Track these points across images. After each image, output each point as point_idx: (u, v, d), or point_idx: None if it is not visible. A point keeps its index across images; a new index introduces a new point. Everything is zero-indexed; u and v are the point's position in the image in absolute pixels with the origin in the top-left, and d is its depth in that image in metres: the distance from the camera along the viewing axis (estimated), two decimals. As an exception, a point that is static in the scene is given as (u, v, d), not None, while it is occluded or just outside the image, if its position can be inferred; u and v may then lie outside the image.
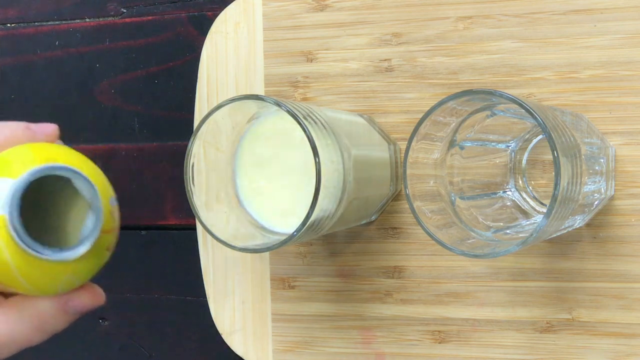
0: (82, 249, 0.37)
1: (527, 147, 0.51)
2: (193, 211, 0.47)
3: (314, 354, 0.57)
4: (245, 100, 0.46)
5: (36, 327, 0.39)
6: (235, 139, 0.50)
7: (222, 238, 0.46)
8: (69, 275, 0.38)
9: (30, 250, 0.36)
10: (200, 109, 0.59)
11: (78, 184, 0.37)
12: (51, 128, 0.40)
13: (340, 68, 0.56)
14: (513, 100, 0.40)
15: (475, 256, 0.43)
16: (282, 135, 0.49)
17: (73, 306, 0.39)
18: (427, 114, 0.43)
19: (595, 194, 0.48)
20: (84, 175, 0.37)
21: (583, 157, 0.44)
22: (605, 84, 0.51)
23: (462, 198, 0.48)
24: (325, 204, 0.46)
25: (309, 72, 0.57)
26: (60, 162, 0.37)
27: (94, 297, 0.40)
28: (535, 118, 0.40)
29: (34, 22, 0.66)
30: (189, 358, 0.64)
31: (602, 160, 0.49)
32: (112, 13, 0.64)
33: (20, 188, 0.35)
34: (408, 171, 0.44)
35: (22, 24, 0.66)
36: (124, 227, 0.40)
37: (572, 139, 0.43)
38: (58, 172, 0.37)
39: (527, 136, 0.51)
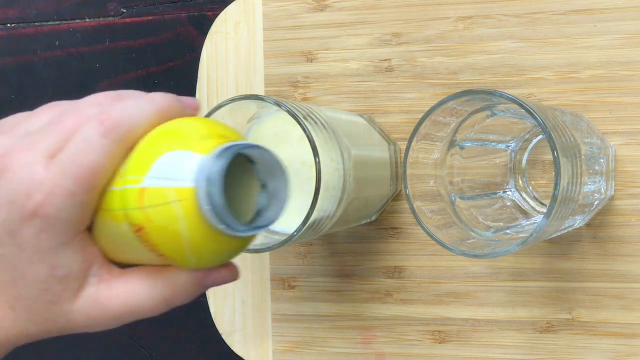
0: (267, 227, 0.36)
1: (527, 147, 0.51)
2: (193, 211, 0.47)
3: (314, 354, 0.57)
4: (245, 100, 0.46)
5: (166, 299, 0.37)
6: (235, 139, 0.50)
7: (222, 238, 0.46)
8: (230, 251, 0.36)
9: (221, 226, 0.34)
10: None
11: (258, 163, 0.36)
12: (197, 103, 0.38)
13: (340, 68, 0.56)
14: (513, 100, 0.40)
15: (475, 256, 0.43)
16: (282, 135, 0.49)
17: (211, 280, 0.37)
18: (427, 114, 0.43)
19: (595, 194, 0.48)
20: (273, 155, 0.36)
21: (583, 157, 0.44)
22: (605, 84, 0.51)
23: (462, 198, 0.48)
24: (325, 204, 0.46)
25: (309, 72, 0.57)
26: (239, 140, 0.35)
27: (232, 272, 0.38)
28: (535, 118, 0.40)
29: (34, 22, 0.66)
30: (189, 358, 0.64)
31: (602, 160, 0.49)
32: (112, 13, 0.64)
33: (224, 165, 0.34)
34: (408, 171, 0.44)
35: (22, 24, 0.66)
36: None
37: (572, 139, 0.43)
38: (248, 151, 0.35)
39: (527, 136, 0.51)
